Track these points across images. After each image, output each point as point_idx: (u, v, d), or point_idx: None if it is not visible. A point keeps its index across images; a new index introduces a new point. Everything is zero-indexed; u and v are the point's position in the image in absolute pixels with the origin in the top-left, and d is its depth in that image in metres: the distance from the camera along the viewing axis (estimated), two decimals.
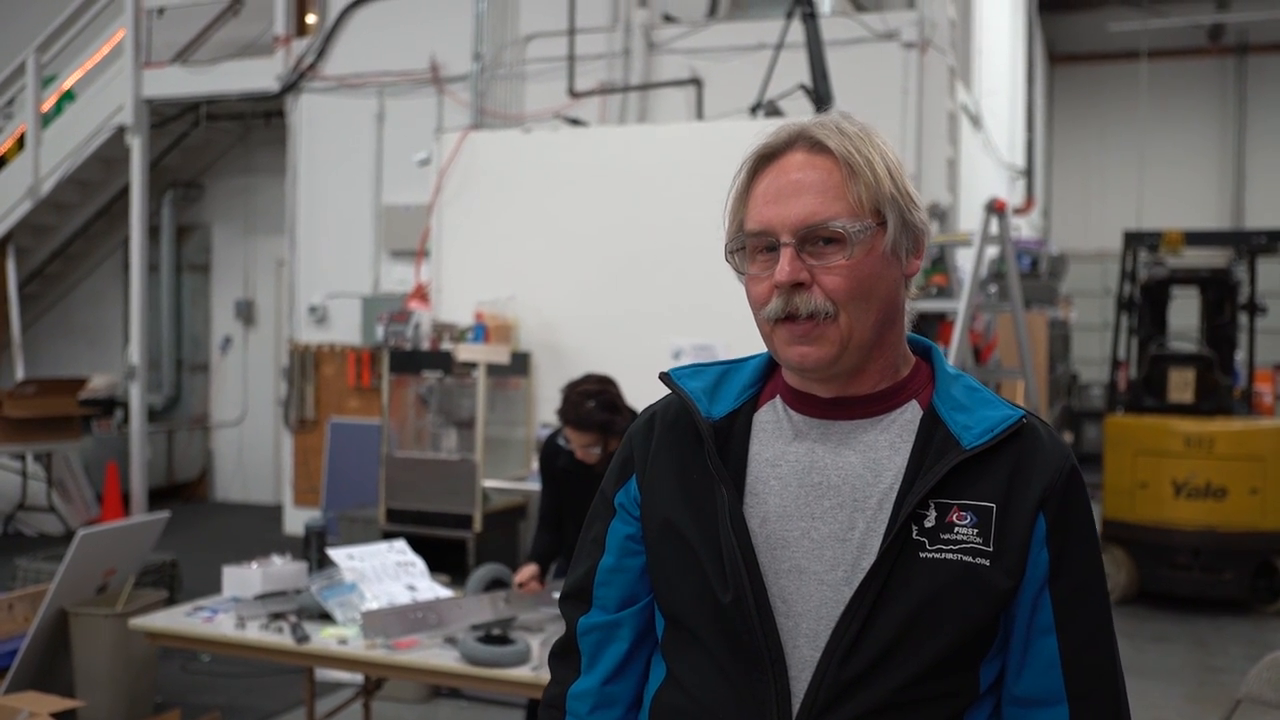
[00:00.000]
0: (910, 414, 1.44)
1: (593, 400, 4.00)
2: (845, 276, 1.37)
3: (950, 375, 1.47)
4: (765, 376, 1.54)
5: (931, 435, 1.40)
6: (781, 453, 1.46)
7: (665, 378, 1.56)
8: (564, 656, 1.61)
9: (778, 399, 1.50)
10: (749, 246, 1.43)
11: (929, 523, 1.37)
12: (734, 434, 1.48)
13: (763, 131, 1.48)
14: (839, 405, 1.45)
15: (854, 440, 1.43)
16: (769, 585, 1.40)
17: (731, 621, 1.40)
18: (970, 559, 1.35)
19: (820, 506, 1.41)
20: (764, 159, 1.44)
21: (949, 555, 1.36)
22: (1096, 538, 1.45)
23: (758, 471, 1.46)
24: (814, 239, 1.38)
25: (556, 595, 3.93)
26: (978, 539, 1.36)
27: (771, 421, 1.49)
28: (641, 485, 1.53)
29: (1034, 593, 1.38)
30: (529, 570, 4.15)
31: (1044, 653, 1.39)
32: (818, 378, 1.43)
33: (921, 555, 1.36)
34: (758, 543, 1.42)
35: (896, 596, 1.35)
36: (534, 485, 4.77)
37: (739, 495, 1.44)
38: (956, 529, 1.36)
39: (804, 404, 1.47)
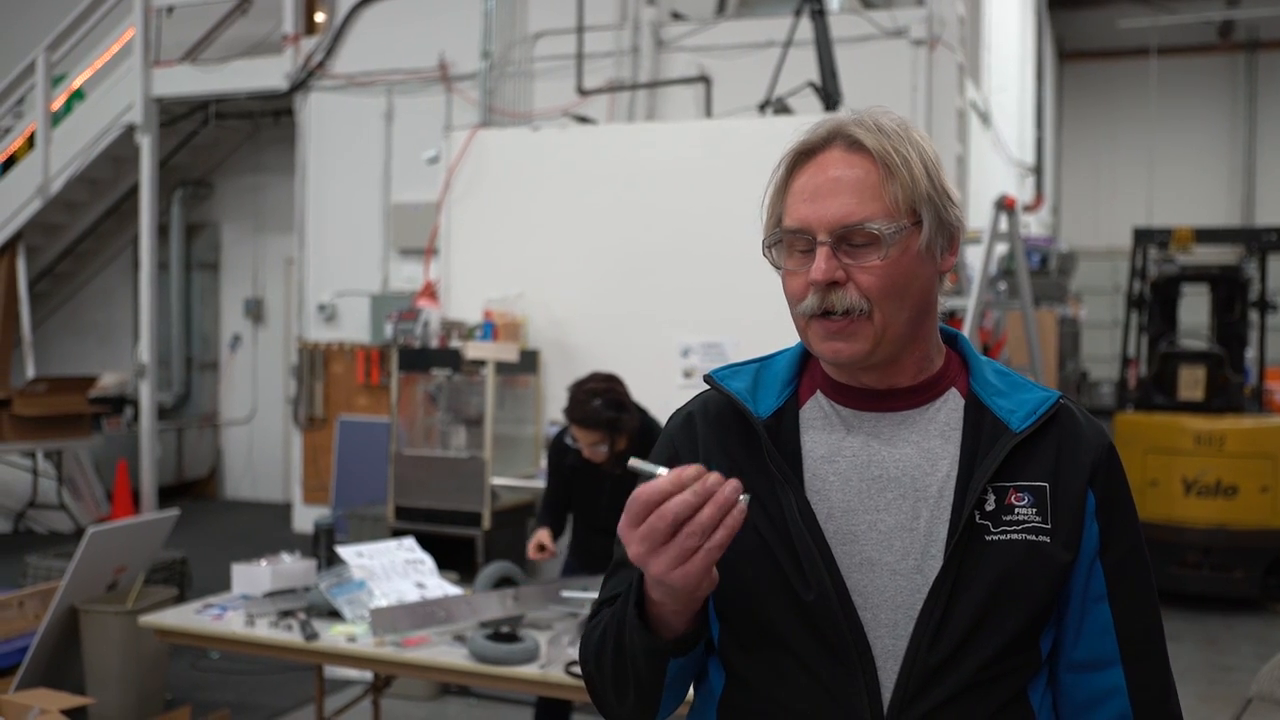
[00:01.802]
0: (953, 402, 1.48)
1: (599, 399, 4.00)
2: (880, 276, 1.39)
3: (982, 362, 1.52)
4: (800, 372, 1.55)
5: (980, 422, 1.45)
6: (836, 448, 1.48)
7: (710, 379, 1.56)
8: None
9: (819, 394, 1.52)
10: (786, 242, 1.45)
11: (990, 506, 1.42)
12: (783, 432, 1.50)
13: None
14: (884, 397, 1.48)
15: (905, 431, 1.47)
16: (845, 578, 1.43)
17: (815, 619, 1.41)
18: (1034, 537, 1.41)
19: (883, 499, 1.44)
20: (802, 155, 1.45)
21: (1014, 535, 1.41)
22: (1135, 510, 1.52)
23: (814, 468, 1.47)
24: (850, 239, 1.40)
25: (565, 594, 3.94)
26: (1037, 518, 1.42)
27: (819, 417, 1.50)
28: None
29: (1088, 564, 1.45)
30: (544, 536, 4.21)
31: (1099, 619, 1.46)
32: (854, 370, 1.46)
33: (988, 538, 1.41)
34: (828, 537, 1.44)
35: (972, 580, 1.40)
36: (543, 483, 4.77)
37: (803, 493, 1.46)
38: (1017, 510, 1.42)
39: (848, 397, 1.49)
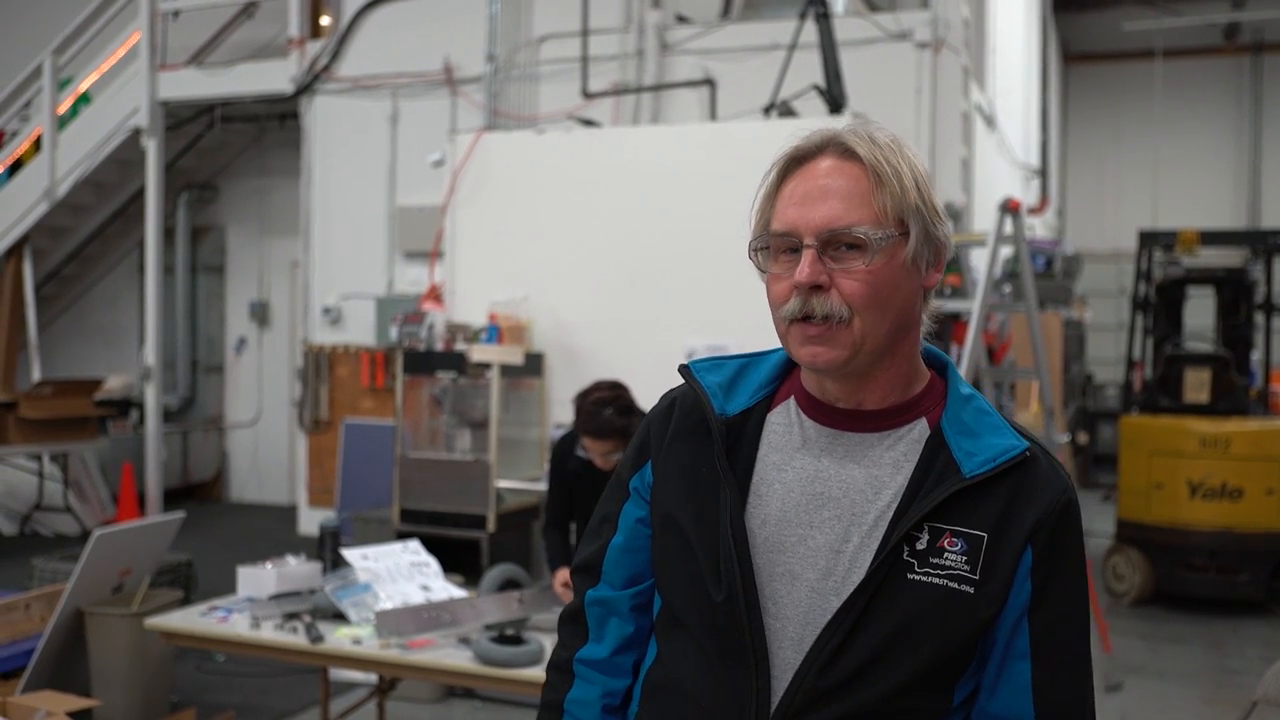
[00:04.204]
0: (918, 433, 1.47)
1: (609, 407, 3.99)
2: (864, 282, 1.39)
3: (962, 397, 1.49)
4: (782, 375, 1.56)
5: (934, 458, 1.43)
6: (789, 457, 1.49)
7: (684, 370, 1.60)
8: (572, 624, 1.67)
9: (792, 401, 1.53)
10: (772, 246, 1.46)
11: (920, 545, 1.40)
12: (745, 433, 1.52)
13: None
14: (849, 417, 1.48)
15: (859, 454, 1.46)
16: (762, 586, 1.44)
17: (721, 619, 1.44)
18: (955, 585, 1.39)
19: (819, 516, 1.45)
20: (794, 161, 1.46)
21: (935, 579, 1.39)
22: (1084, 572, 1.48)
23: (764, 473, 1.49)
24: (836, 243, 1.40)
25: None
26: (965, 566, 1.39)
27: (783, 424, 1.52)
28: (655, 471, 1.57)
29: (1014, 620, 1.42)
30: (567, 575, 4.09)
31: (1017, 677, 1.43)
32: (830, 377, 1.46)
33: (909, 576, 1.40)
34: (756, 544, 1.46)
35: (880, 613, 1.39)
36: (546, 485, 4.77)
37: (742, 497, 1.48)
38: (946, 554, 1.40)
39: (817, 411, 1.50)
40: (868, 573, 1.39)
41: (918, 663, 1.38)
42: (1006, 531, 1.40)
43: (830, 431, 1.48)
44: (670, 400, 1.62)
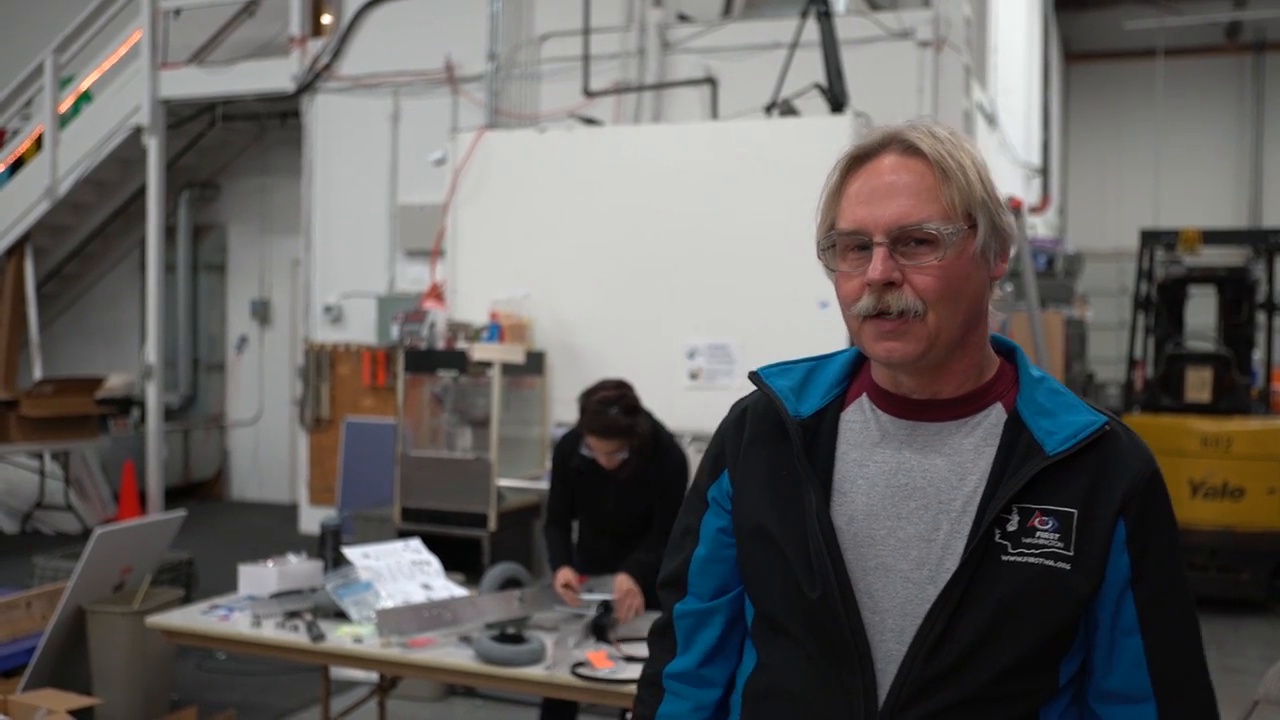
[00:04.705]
0: (994, 417, 1.48)
1: (614, 406, 3.98)
2: (937, 277, 1.40)
3: (1034, 378, 1.51)
4: (852, 374, 1.58)
5: (1016, 440, 1.44)
6: (869, 453, 1.50)
7: (754, 377, 1.60)
8: (661, 637, 1.68)
9: (865, 398, 1.54)
10: (840, 245, 1.46)
11: (1011, 527, 1.41)
12: (821, 432, 1.53)
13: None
14: (925, 407, 1.49)
15: (940, 443, 1.48)
16: (856, 581, 1.45)
17: (819, 618, 1.45)
18: (1051, 563, 1.40)
19: (906, 507, 1.46)
20: (856, 160, 1.47)
21: (1030, 559, 1.40)
22: (1178, 540, 1.49)
23: (845, 470, 1.50)
24: (907, 239, 1.41)
25: (588, 596, 3.94)
26: (1059, 543, 1.40)
27: (859, 421, 1.53)
28: (733, 480, 1.59)
29: (1116, 594, 1.43)
30: (568, 575, 4.07)
31: (1129, 652, 1.44)
32: (905, 371, 1.47)
33: (1004, 558, 1.41)
34: (845, 540, 1.47)
35: (979, 598, 1.40)
36: (548, 484, 4.77)
37: (826, 495, 1.49)
38: (1038, 533, 1.41)
39: (891, 404, 1.51)
40: (963, 558, 1.40)
41: (1021, 644, 1.39)
42: (1096, 505, 1.41)
43: (908, 423, 1.49)
44: (741, 409, 1.63)
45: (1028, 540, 1.40)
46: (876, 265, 1.40)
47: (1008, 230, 1.46)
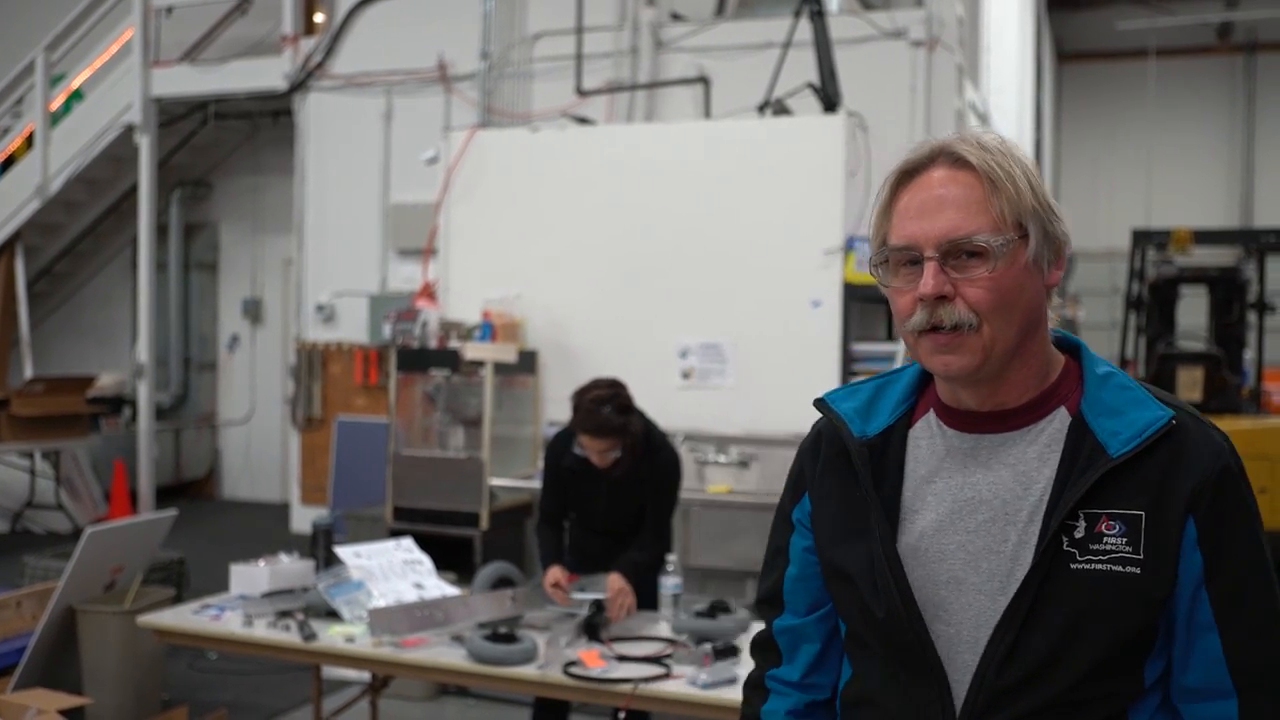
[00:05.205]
0: (1059, 422, 1.47)
1: (608, 405, 3.98)
2: (988, 289, 1.40)
3: (1099, 377, 1.49)
4: (919, 389, 1.58)
5: (1079, 445, 1.43)
6: (936, 468, 1.51)
7: (820, 404, 1.62)
8: (764, 650, 1.72)
9: (931, 414, 1.55)
10: (892, 260, 1.46)
11: (1079, 533, 1.41)
12: (889, 451, 1.54)
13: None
14: (987, 420, 1.49)
15: (1003, 454, 1.47)
16: (929, 595, 1.47)
17: (889, 634, 1.49)
18: (1120, 568, 1.39)
19: (974, 520, 1.47)
20: (906, 174, 1.47)
21: (1099, 565, 1.39)
22: (1258, 532, 1.47)
23: (914, 488, 1.52)
24: (957, 252, 1.41)
25: (580, 595, 3.94)
26: (1127, 548, 1.39)
27: (925, 438, 1.54)
28: (812, 501, 1.62)
29: (1190, 593, 1.41)
30: (558, 574, 4.05)
31: (1208, 649, 1.42)
32: (963, 384, 1.47)
33: (1072, 566, 1.40)
34: (916, 557, 1.49)
35: (1049, 607, 1.40)
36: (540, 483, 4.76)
37: (892, 516, 1.51)
38: (1106, 539, 1.40)
39: (954, 419, 1.52)
40: (1030, 567, 1.41)
41: (1096, 650, 1.39)
42: (1164, 506, 1.39)
43: (971, 437, 1.50)
44: (816, 432, 1.65)
45: (1095, 546, 1.39)
46: (927, 280, 1.40)
47: (1061, 237, 1.45)
